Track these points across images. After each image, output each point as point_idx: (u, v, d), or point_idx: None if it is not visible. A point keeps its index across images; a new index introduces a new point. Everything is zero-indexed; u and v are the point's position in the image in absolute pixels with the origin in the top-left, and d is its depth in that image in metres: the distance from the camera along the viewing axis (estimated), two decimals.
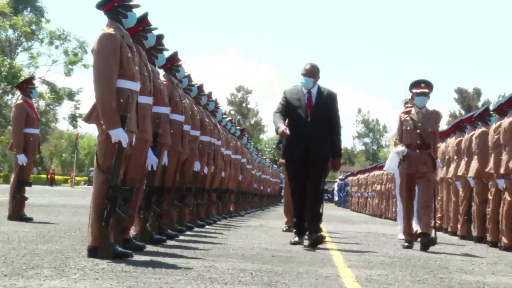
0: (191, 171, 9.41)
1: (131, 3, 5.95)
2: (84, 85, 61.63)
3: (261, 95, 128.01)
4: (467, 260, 7.30)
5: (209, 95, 11.34)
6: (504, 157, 8.73)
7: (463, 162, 11.16)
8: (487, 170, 9.57)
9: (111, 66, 5.57)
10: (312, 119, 7.98)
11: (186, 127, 8.45)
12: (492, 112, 10.29)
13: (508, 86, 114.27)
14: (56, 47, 51.93)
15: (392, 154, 10.41)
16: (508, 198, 8.75)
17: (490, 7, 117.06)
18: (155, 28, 6.87)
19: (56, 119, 56.57)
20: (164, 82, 7.73)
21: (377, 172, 24.60)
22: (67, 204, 16.88)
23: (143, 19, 6.66)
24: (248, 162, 18.26)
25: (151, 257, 5.74)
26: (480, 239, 10.26)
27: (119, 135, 5.49)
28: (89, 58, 51.17)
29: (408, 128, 8.57)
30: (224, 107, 76.59)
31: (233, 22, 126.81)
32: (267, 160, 31.19)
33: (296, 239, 8.14)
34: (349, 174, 39.56)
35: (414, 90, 8.67)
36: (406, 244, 8.59)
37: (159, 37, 7.26)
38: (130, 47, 5.83)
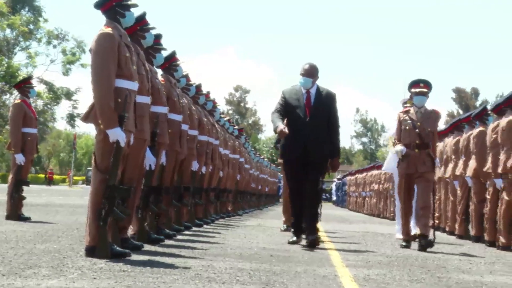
0: (189, 171, 9.41)
1: (129, 2, 5.95)
2: (82, 84, 61.66)
3: (259, 94, 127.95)
4: (465, 260, 7.31)
5: (207, 95, 11.34)
6: (502, 156, 8.74)
7: (461, 162, 11.17)
8: (485, 169, 9.58)
9: (109, 66, 5.57)
10: (310, 119, 7.97)
11: (184, 127, 8.44)
12: (490, 112, 10.30)
13: (506, 85, 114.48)
14: (54, 46, 51.90)
15: (391, 154, 10.41)
16: (506, 198, 8.75)
17: (488, 7, 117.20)
18: (153, 28, 6.87)
19: (54, 118, 56.58)
20: (162, 82, 7.73)
21: (375, 172, 24.61)
22: (65, 204, 16.87)
23: (141, 19, 6.66)
24: (246, 162, 18.26)
25: (149, 257, 5.74)
26: (478, 239, 10.27)
27: (117, 134, 5.49)
28: (87, 58, 51.15)
29: (407, 127, 8.56)
30: (222, 106, 76.64)
31: (231, 22, 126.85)
32: (265, 159, 31.18)
33: (294, 238, 8.14)
34: (347, 173, 39.55)
35: (413, 90, 8.66)
36: (403, 243, 8.59)
37: (157, 37, 7.26)
38: (128, 47, 5.83)
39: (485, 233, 9.78)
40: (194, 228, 9.74)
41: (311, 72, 8.12)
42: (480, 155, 10.17)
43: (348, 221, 17.68)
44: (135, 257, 5.65)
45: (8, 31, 50.27)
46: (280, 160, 8.97)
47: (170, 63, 8.25)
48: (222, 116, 13.88)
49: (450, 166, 11.78)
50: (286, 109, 8.07)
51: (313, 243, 7.69)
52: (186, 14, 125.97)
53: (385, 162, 11.03)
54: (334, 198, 47.13)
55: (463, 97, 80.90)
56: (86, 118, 5.66)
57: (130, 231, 6.72)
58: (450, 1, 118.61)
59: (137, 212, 6.85)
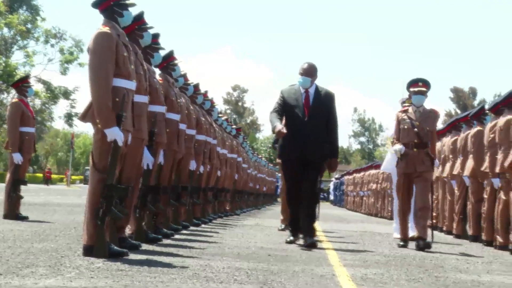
0: (187, 170, 9.41)
1: (127, 2, 5.95)
2: (79, 84, 61.69)
3: (257, 94, 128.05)
4: (462, 259, 7.31)
5: (205, 94, 11.34)
6: (500, 156, 8.74)
7: (458, 161, 11.18)
8: (482, 169, 9.59)
9: (107, 65, 5.57)
10: (309, 119, 7.94)
11: (182, 126, 8.44)
12: (487, 111, 10.30)
13: (504, 85, 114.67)
14: (52, 45, 51.86)
15: (390, 154, 10.39)
16: (503, 197, 8.76)
17: (486, 7, 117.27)
18: (151, 27, 6.86)
19: (52, 117, 56.49)
20: (160, 81, 7.73)
21: (372, 171, 24.62)
22: (62, 203, 16.86)
23: (139, 18, 6.66)
24: (244, 161, 18.26)
25: (146, 256, 5.74)
26: (475, 238, 10.28)
27: (114, 134, 5.49)
28: (84, 57, 51.14)
29: (406, 127, 8.54)
30: (220, 106, 76.50)
31: (229, 21, 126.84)
32: (263, 159, 31.19)
33: (291, 238, 8.14)
34: (345, 173, 39.56)
35: (411, 89, 8.64)
36: (401, 243, 8.60)
37: (155, 36, 7.26)
38: (126, 46, 5.83)
39: (483, 233, 9.78)
40: (192, 228, 9.73)
41: (310, 72, 8.10)
42: (478, 154, 10.18)
43: (346, 221, 17.68)
44: (132, 256, 5.64)
45: (5, 30, 50.24)
46: (278, 160, 8.95)
47: (168, 63, 8.25)
48: (220, 115, 13.88)
49: (448, 165, 11.79)
50: (284, 109, 8.05)
51: (311, 246, 7.63)
52: (184, 14, 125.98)
53: (384, 162, 11.02)
54: (332, 197, 47.13)
55: (461, 97, 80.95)
56: (84, 117, 5.66)
57: (128, 230, 6.72)
58: (448, 1, 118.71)
59: (135, 211, 6.85)
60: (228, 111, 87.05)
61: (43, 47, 52.66)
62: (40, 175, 64.37)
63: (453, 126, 12.14)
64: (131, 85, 5.80)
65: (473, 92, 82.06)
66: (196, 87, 10.33)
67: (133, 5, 6.03)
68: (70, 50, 51.61)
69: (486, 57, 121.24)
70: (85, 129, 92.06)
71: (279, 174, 28.17)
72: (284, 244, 7.97)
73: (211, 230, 9.81)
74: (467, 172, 10.63)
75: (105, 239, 5.46)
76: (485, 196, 9.75)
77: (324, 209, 25.63)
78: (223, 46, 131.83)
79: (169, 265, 5.22)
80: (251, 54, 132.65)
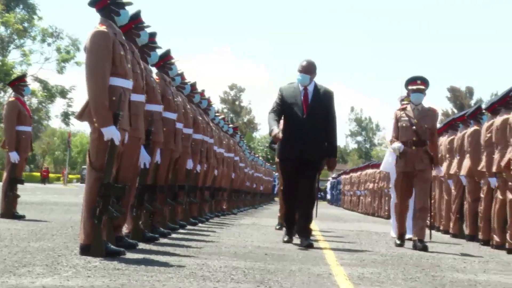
0: (183, 169, 9.40)
1: (124, 0, 5.95)
2: (76, 82, 61.59)
3: (254, 93, 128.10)
4: (459, 259, 7.32)
5: (202, 93, 11.34)
6: (496, 155, 8.75)
7: (455, 161, 11.19)
8: (479, 168, 9.60)
9: (104, 64, 5.56)
10: (308, 117, 7.89)
11: (179, 125, 8.43)
12: (484, 111, 10.32)
13: (500, 84, 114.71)
14: (49, 44, 51.84)
15: (389, 154, 10.36)
16: (500, 197, 8.77)
17: (483, 7, 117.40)
18: (147, 26, 6.86)
19: (49, 116, 56.47)
20: (157, 80, 7.72)
21: (369, 171, 24.63)
22: (59, 202, 16.85)
23: (136, 17, 6.65)
24: (241, 160, 18.26)
25: (143, 255, 5.74)
26: (472, 238, 10.29)
27: (111, 133, 5.48)
28: (81, 56, 51.11)
29: (404, 125, 8.51)
30: (217, 105, 76.56)
31: (226, 21, 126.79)
32: (260, 158, 31.18)
33: (287, 237, 8.13)
34: (342, 172, 39.57)
35: (410, 87, 8.61)
36: (398, 242, 8.60)
37: (152, 35, 7.25)
38: (122, 45, 5.83)
39: (479, 232, 9.80)
40: (188, 227, 9.73)
41: (308, 69, 8.06)
42: (475, 154, 10.19)
43: (343, 220, 17.69)
44: (129, 255, 5.64)
45: (2, 28, 50.24)
46: (277, 160, 8.91)
47: (165, 62, 8.24)
48: (217, 114, 13.88)
49: (445, 165, 11.80)
50: (283, 107, 8.00)
51: (308, 247, 7.60)
52: (181, 13, 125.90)
53: (383, 162, 10.99)
54: (328, 197, 47.15)
55: (457, 96, 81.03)
56: (81, 116, 5.66)
57: (125, 229, 6.71)
58: (445, 1, 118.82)
59: (131, 210, 6.84)
60: (225, 110, 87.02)
61: (39, 46, 52.63)
62: (37, 174, 64.30)
63: (450, 126, 12.16)
64: (128, 84, 5.80)
65: (470, 91, 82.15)
66: (193, 86, 10.33)
67: (130, 4, 6.02)
68: (67, 49, 51.60)
69: (483, 56, 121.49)
70: (82, 128, 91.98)
71: (276, 174, 28.20)
72: (281, 243, 7.97)
73: (208, 229, 9.81)
74: (464, 171, 10.64)
75: (102, 238, 5.46)
76: (482, 195, 9.77)
77: (321, 208, 25.62)
78: (221, 46, 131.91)
79: (166, 264, 5.22)
80: (249, 53, 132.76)
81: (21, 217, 9.64)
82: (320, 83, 8.15)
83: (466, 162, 10.57)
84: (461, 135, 11.08)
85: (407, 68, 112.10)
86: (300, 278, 4.98)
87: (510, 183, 8.32)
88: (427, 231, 9.00)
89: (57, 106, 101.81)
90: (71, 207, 14.33)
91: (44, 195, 22.92)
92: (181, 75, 9.28)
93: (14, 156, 9.81)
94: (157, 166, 7.61)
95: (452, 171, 11.29)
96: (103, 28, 5.67)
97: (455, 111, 72.23)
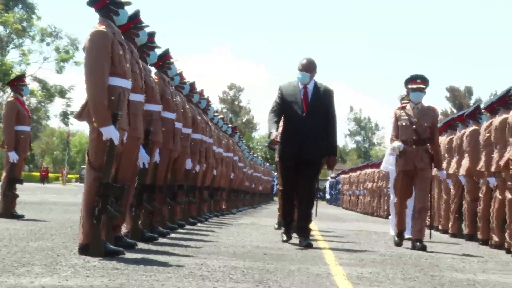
0: (182, 169, 9.40)
1: (123, 0, 5.95)
2: (75, 82, 61.43)
3: (253, 93, 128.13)
4: (458, 258, 7.32)
5: (201, 93, 11.34)
6: (495, 155, 8.75)
7: (454, 160, 11.19)
8: (478, 168, 9.60)
9: (103, 64, 5.57)
10: (308, 115, 7.85)
11: (178, 125, 8.43)
12: (483, 110, 10.31)
13: (499, 84, 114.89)
14: (48, 44, 51.81)
15: (389, 153, 10.33)
16: (499, 196, 8.77)
17: (481, 7, 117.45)
18: (146, 26, 6.86)
19: (48, 116, 56.46)
20: (156, 80, 7.72)
21: (368, 170, 24.65)
22: (58, 202, 16.84)
23: (135, 17, 6.65)
24: (240, 160, 18.26)
25: (142, 255, 5.74)
26: (471, 237, 10.30)
27: (110, 132, 5.48)
28: (80, 56, 51.08)
29: (404, 124, 8.48)
30: (216, 105, 76.53)
31: (226, 20, 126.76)
32: (259, 158, 31.18)
33: (285, 236, 8.12)
34: (340, 172, 39.58)
35: (409, 86, 8.58)
36: (397, 240, 8.57)
37: (151, 35, 7.25)
38: (121, 45, 5.83)
39: (478, 232, 9.80)
40: (187, 227, 9.73)
41: (309, 67, 8.03)
42: (474, 153, 10.20)
43: (342, 220, 17.70)
44: (128, 255, 5.64)
45: (1, 28, 50.20)
46: (276, 159, 8.88)
47: (164, 61, 8.24)
48: (216, 114, 13.88)
49: (444, 164, 11.80)
50: (283, 106, 7.97)
51: (307, 247, 7.60)
52: (180, 13, 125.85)
53: (383, 162, 10.97)
54: (327, 196, 47.14)
55: (456, 96, 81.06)
56: (80, 116, 5.66)
57: (124, 229, 6.71)
58: (444, 0, 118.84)
59: (130, 210, 6.84)
60: (224, 110, 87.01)
61: (38, 45, 52.70)
62: (36, 174, 64.27)
63: (449, 125, 12.16)
64: (127, 83, 5.80)
65: (468, 91, 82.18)
66: (192, 85, 10.33)
67: (129, 3, 6.02)
68: (66, 49, 51.58)
69: (482, 56, 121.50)
70: (81, 128, 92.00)
71: (275, 173, 28.20)
72: (280, 243, 7.97)
73: (207, 229, 9.81)
74: (462, 171, 10.64)
75: (101, 238, 5.46)
76: (481, 195, 9.77)
77: (320, 208, 25.62)
78: (220, 45, 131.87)
79: (165, 264, 5.22)
80: (248, 53, 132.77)
81: (20, 217, 9.64)
82: (320, 82, 8.12)
83: (465, 162, 10.58)
84: (460, 134, 11.09)
85: (406, 68, 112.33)
86: (299, 277, 4.98)
87: (509, 183, 8.32)
88: (427, 231, 9.00)
89: (56, 106, 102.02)
90: (70, 206, 14.33)
91: (43, 194, 22.91)
92: (180, 74, 9.28)
93: (13, 156, 9.81)
94: (156, 166, 7.61)
95: (451, 171, 11.29)
96: (102, 27, 5.67)
97: (454, 110, 72.24)
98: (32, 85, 48.43)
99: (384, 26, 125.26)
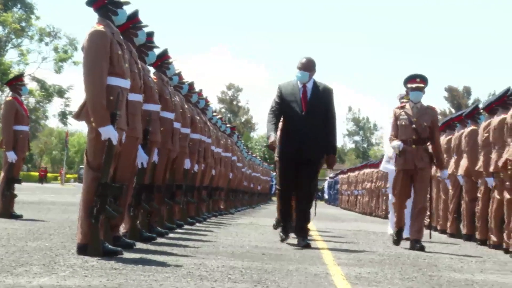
0: (181, 169, 9.40)
1: (121, 0, 5.95)
2: (74, 82, 61.47)
3: (252, 93, 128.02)
4: (456, 258, 7.33)
5: (199, 93, 11.34)
6: (494, 155, 8.75)
7: (452, 160, 11.20)
8: (476, 168, 9.60)
9: (101, 64, 5.57)
10: (307, 114, 7.82)
11: (177, 125, 8.43)
12: (481, 111, 10.32)
13: (498, 84, 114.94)
14: (46, 44, 51.81)
15: (388, 153, 10.31)
16: (497, 196, 8.77)
17: (480, 7, 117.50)
18: (145, 26, 6.87)
19: (46, 116, 56.45)
20: (154, 80, 7.72)
21: (367, 170, 24.66)
22: (56, 202, 16.84)
23: (133, 17, 6.65)
24: (239, 160, 18.26)
25: (140, 255, 5.74)
26: (469, 237, 10.30)
27: (109, 132, 5.48)
28: (79, 55, 51.04)
29: (403, 123, 8.46)
30: (215, 105, 76.47)
31: (224, 21, 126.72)
32: (258, 158, 31.18)
33: (282, 235, 8.12)
34: (339, 172, 39.59)
35: (409, 85, 8.57)
36: (395, 237, 8.54)
37: (150, 35, 7.25)
38: (120, 45, 5.83)
39: (477, 232, 9.80)
40: (186, 226, 9.73)
41: (308, 66, 7.99)
42: (472, 154, 10.20)
43: (340, 220, 17.70)
44: (127, 255, 5.64)
45: (0, 28, 50.13)
46: (276, 158, 8.86)
47: (162, 61, 8.24)
48: (214, 114, 13.88)
49: None
50: (282, 105, 7.95)
51: (305, 247, 7.58)
52: (179, 13, 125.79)
53: (383, 162, 10.96)
54: (326, 196, 47.16)
55: (455, 96, 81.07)
56: (78, 116, 5.66)
57: (122, 229, 6.71)
58: (443, 0, 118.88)
59: (129, 210, 6.84)
60: (223, 110, 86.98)
61: (37, 45, 52.81)
62: (35, 173, 64.24)
63: (447, 125, 12.17)
64: (126, 83, 5.80)
65: (467, 91, 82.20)
66: (191, 85, 10.33)
67: (127, 3, 6.02)
68: (65, 49, 51.58)
69: (481, 56, 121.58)
70: (80, 128, 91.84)
71: (274, 173, 28.20)
72: (278, 243, 7.97)
73: (206, 229, 9.81)
74: (461, 171, 10.65)
75: (99, 238, 5.46)
76: (479, 195, 9.77)
77: (319, 208, 25.61)
78: (218, 45, 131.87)
79: (163, 264, 5.22)
80: (246, 53, 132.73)
81: (18, 217, 9.64)
82: (319, 81, 8.09)
83: (464, 162, 10.58)
84: (458, 134, 11.09)
85: (404, 68, 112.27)
86: (297, 277, 4.98)
87: (507, 183, 8.32)
88: (427, 231, 8.99)
89: (55, 106, 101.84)
90: (69, 206, 14.32)
91: (42, 194, 22.90)
92: (179, 74, 9.28)
93: (11, 156, 9.80)
94: (154, 166, 7.61)
95: (449, 171, 11.28)
96: (100, 27, 5.67)
97: (453, 110, 72.23)
98: (31, 85, 48.39)
99: (383, 26, 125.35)
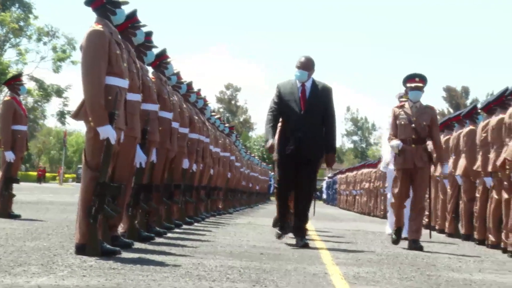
0: (179, 169, 9.40)
1: (120, 0, 5.94)
2: (72, 82, 61.38)
3: (250, 93, 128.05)
4: (455, 258, 7.33)
5: (198, 93, 11.33)
6: (492, 155, 8.76)
7: (450, 160, 11.20)
8: (474, 168, 9.61)
9: (100, 63, 5.56)
10: (305, 113, 7.79)
11: (175, 125, 8.43)
12: (480, 111, 10.33)
13: (496, 84, 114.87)
14: (45, 43, 51.75)
15: (387, 152, 10.30)
16: (496, 196, 8.78)
17: (479, 7, 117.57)
18: (144, 25, 6.86)
19: (44, 116, 56.41)
20: (153, 80, 7.72)
21: (365, 170, 24.66)
22: (55, 201, 16.82)
23: (132, 16, 6.65)
24: (237, 160, 18.26)
25: (139, 254, 5.74)
26: (468, 237, 10.31)
27: (107, 132, 5.48)
28: (77, 55, 51.08)
29: (403, 122, 8.46)
30: (213, 104, 76.45)
31: (223, 20, 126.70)
32: (256, 157, 31.19)
33: (279, 233, 8.11)
34: (337, 172, 39.61)
35: (408, 85, 8.56)
36: (394, 237, 8.52)
37: (148, 34, 7.25)
38: (118, 44, 5.83)
39: (475, 232, 9.81)
40: (184, 226, 9.73)
41: (307, 65, 7.96)
42: (470, 153, 10.21)
43: (339, 220, 17.71)
44: (125, 255, 5.64)
45: None
46: (275, 157, 8.84)
47: (161, 61, 8.24)
48: (213, 114, 13.88)
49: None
50: (280, 104, 7.93)
51: (304, 247, 7.57)
52: (178, 12, 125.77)
53: (382, 162, 10.95)
54: (324, 196, 47.18)
55: (453, 96, 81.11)
56: (77, 115, 5.65)
57: (120, 229, 6.71)
58: (441, 0, 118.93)
59: (127, 210, 6.84)
60: (221, 110, 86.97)
61: (35, 45, 52.59)
62: (33, 173, 64.19)
63: (446, 125, 12.18)
64: (124, 83, 5.79)
65: (465, 91, 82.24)
66: (189, 85, 10.33)
67: (126, 3, 6.02)
68: (63, 48, 51.51)
69: (479, 56, 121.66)
70: (78, 127, 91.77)
71: (272, 173, 28.21)
72: (276, 242, 7.97)
73: (204, 228, 9.81)
74: (459, 171, 10.65)
75: (98, 238, 5.46)
76: (477, 195, 9.78)
77: (317, 208, 25.63)
78: (217, 45, 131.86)
79: (161, 264, 5.22)
80: (245, 52, 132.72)
81: (16, 217, 9.63)
82: (319, 80, 8.06)
83: (462, 162, 10.59)
84: (456, 134, 11.10)
85: (403, 68, 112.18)
86: (295, 277, 4.98)
87: (505, 183, 8.32)
88: (427, 231, 8.98)
89: (53, 105, 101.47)
90: (67, 206, 14.31)
91: (40, 194, 22.88)
92: (177, 74, 9.28)
93: (9, 156, 9.79)
94: (153, 166, 7.61)
95: (447, 171, 11.30)
96: (99, 27, 5.67)
97: (451, 110, 72.28)
98: (29, 84, 48.40)
99: (381, 26, 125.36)
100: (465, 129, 10.64)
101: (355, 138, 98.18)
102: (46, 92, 51.85)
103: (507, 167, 8.02)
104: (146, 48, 7.29)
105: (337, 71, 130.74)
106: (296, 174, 7.87)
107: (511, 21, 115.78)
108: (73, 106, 52.80)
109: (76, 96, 67.72)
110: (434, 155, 8.91)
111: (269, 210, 20.26)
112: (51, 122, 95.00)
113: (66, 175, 69.39)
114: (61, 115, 53.61)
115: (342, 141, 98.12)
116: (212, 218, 12.87)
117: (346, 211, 28.63)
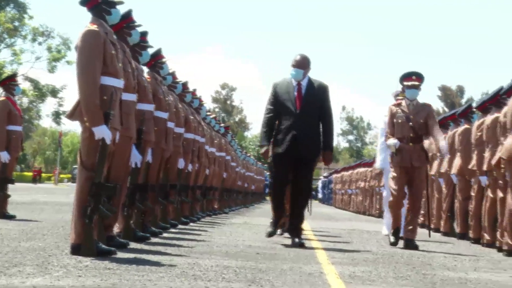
0: (175, 168, 9.39)
1: (115, 0, 5.94)
2: (67, 82, 61.34)
3: (245, 92, 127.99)
4: (450, 257, 7.34)
5: (193, 93, 11.33)
6: (487, 154, 8.78)
7: (446, 159, 11.22)
8: (469, 167, 9.63)
9: (95, 63, 5.56)
10: (301, 112, 7.76)
11: (170, 124, 8.42)
12: (475, 109, 10.35)
13: (491, 83, 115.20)
14: (40, 43, 51.68)
15: (383, 150, 10.29)
16: (491, 195, 8.79)
17: (475, 6, 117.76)
18: (139, 25, 6.86)
19: (40, 116, 56.38)
20: (148, 79, 7.71)
21: (361, 169, 24.68)
22: (50, 202, 16.79)
23: (127, 16, 6.64)
24: (233, 160, 18.26)
25: (134, 255, 5.73)
26: (463, 236, 10.33)
27: (102, 132, 5.48)
28: (72, 55, 50.73)
29: (400, 121, 8.44)
30: (209, 104, 76.41)
31: (218, 20, 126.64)
32: (252, 157, 31.19)
33: (271, 229, 8.08)
34: (333, 171, 39.62)
35: (405, 83, 8.55)
36: (392, 239, 8.46)
37: (143, 34, 7.25)
38: (113, 44, 5.82)
39: (470, 230, 9.83)
40: (180, 226, 9.72)
41: (302, 63, 7.92)
42: (465, 152, 10.23)
43: (334, 219, 17.72)
44: (120, 255, 5.63)
45: None
46: (270, 161, 8.82)
47: (156, 61, 8.23)
48: (208, 114, 13.87)
49: (436, 163, 11.84)
50: (276, 103, 7.91)
51: (299, 247, 7.56)
52: (173, 12, 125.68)
53: (380, 159, 10.94)
54: (320, 195, 47.20)
55: (448, 95, 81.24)
56: (72, 115, 5.64)
57: (116, 229, 6.70)
58: (437, 0, 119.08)
59: (122, 210, 6.84)
60: (217, 110, 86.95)
61: (30, 45, 52.59)
62: (28, 174, 64.06)
63: (441, 124, 12.17)
64: (119, 83, 5.79)
65: (460, 90, 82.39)
66: (185, 85, 10.32)
67: (121, 3, 6.01)
68: (58, 48, 51.46)
69: (474, 55, 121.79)
70: (73, 127, 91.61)
71: (268, 173, 28.19)
72: (272, 242, 7.95)
73: (200, 228, 9.81)
74: (454, 170, 10.67)
75: (93, 238, 5.45)
76: (473, 194, 9.80)
77: (313, 207, 25.63)
78: (212, 45, 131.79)
79: (157, 264, 5.22)
80: (240, 52, 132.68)
81: (11, 217, 9.61)
82: (314, 78, 8.04)
83: (457, 161, 10.61)
84: (451, 133, 11.12)
85: (398, 67, 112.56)
86: (291, 277, 4.98)
87: (500, 182, 8.34)
88: (426, 230, 8.98)
89: (48, 106, 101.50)
90: (62, 206, 14.28)
91: (35, 194, 22.84)
92: (173, 74, 9.27)
93: (4, 156, 9.78)
94: (148, 165, 7.60)
95: (442, 170, 11.32)
96: (94, 27, 5.67)
97: (446, 109, 72.36)
98: (24, 84, 48.31)
99: (376, 26, 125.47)
100: (460, 128, 10.66)
101: (351, 137, 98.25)
102: (41, 92, 51.80)
103: (502, 166, 8.04)
104: (141, 48, 7.28)
105: (333, 71, 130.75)
106: (291, 172, 7.86)
107: (507, 20, 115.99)
108: (68, 106, 52.77)
109: (71, 96, 67.63)
110: (430, 154, 8.93)
111: (265, 210, 20.26)
112: (46, 122, 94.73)
113: (62, 175, 69.30)
114: (56, 115, 53.57)
115: (337, 141, 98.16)
116: (208, 218, 12.87)
117: (341, 210, 28.65)
